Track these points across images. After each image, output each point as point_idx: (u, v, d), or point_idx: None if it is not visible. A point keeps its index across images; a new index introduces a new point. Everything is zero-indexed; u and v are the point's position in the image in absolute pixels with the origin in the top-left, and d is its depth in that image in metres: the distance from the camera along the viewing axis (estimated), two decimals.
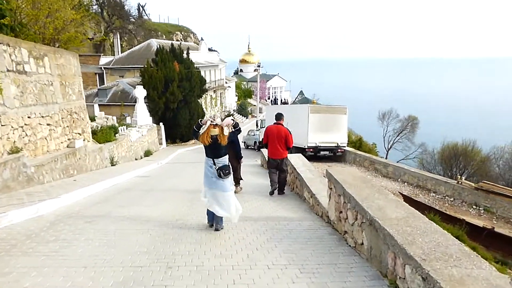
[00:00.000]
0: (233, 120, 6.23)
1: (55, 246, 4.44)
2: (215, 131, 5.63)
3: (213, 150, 5.63)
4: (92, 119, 19.17)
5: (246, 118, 54.42)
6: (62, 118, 11.09)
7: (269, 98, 75.79)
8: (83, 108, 13.24)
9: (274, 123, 8.71)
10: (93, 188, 8.54)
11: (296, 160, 9.14)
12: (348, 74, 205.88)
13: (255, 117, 56.76)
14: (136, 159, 19.36)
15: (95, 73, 36.99)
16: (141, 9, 58.36)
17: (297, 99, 70.27)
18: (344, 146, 21.26)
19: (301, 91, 77.13)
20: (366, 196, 4.41)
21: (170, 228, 5.49)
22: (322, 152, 20.83)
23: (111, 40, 48.16)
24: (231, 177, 5.76)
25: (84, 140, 12.98)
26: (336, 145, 20.74)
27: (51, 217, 5.75)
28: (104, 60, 37.36)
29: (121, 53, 40.50)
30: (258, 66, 36.82)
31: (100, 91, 31.93)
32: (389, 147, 47.97)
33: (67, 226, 5.33)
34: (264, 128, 11.82)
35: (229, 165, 5.73)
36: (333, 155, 21.28)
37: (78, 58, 13.68)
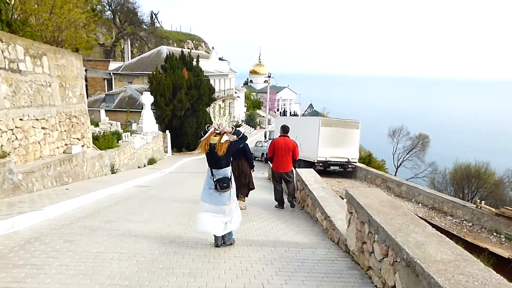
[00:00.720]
0: (234, 127, 5.45)
1: (19, 274, 3.67)
2: (215, 140, 5.16)
3: (212, 159, 5.16)
4: (96, 124, 18.58)
5: (254, 129, 53.78)
6: (59, 121, 10.43)
7: (278, 110, 75.21)
8: (84, 112, 12.60)
9: (281, 136, 8.46)
10: (84, 199, 7.81)
11: (308, 176, 8.34)
12: (358, 90, 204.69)
13: (263, 128, 56.11)
14: (139, 167, 18.68)
15: (104, 79, 36.67)
16: (153, 16, 58.42)
17: (306, 112, 69.58)
18: (355, 162, 20.40)
19: (311, 104, 76.48)
20: (398, 227, 3.61)
21: (161, 251, 4.71)
22: (332, 167, 20.01)
23: (122, 47, 48.09)
24: (230, 192, 5.21)
25: (83, 145, 12.33)
26: (347, 160, 19.91)
27: (27, 234, 5.00)
28: (113, 65, 37.05)
29: (131, 59, 40.22)
30: (269, 76, 36.20)
31: (107, 97, 31.49)
32: (398, 164, 47.14)
33: (43, 246, 4.57)
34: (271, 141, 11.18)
35: (229, 178, 5.19)
36: (343, 170, 20.44)
37: (81, 60, 13.10)
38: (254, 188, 8.34)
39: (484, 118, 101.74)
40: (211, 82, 33.49)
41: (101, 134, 15.84)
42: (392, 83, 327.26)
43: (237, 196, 8.36)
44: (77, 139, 11.76)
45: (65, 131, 10.76)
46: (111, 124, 18.43)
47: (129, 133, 19.17)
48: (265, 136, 27.59)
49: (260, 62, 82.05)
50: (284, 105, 79.43)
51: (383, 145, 50.92)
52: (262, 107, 68.14)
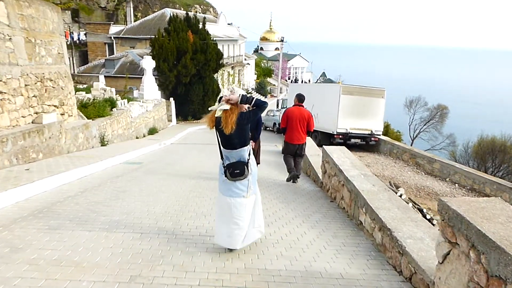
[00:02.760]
0: (242, 95, 3.90)
1: None
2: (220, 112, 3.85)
3: (221, 138, 3.95)
4: (88, 90, 16.57)
5: (265, 97, 51.36)
6: (25, 85, 8.40)
7: (289, 78, 72.33)
8: (63, 75, 10.53)
9: (295, 105, 7.87)
10: (42, 185, 5.87)
11: (341, 157, 6.29)
12: (372, 60, 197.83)
13: (274, 96, 53.58)
14: (137, 138, 16.76)
15: (105, 43, 34.37)
16: None
17: (319, 81, 66.57)
18: (379, 134, 18.23)
19: (324, 73, 73.32)
20: None
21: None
22: (352, 140, 17.85)
23: (125, 10, 45.33)
24: (250, 180, 3.95)
25: (63, 114, 10.35)
26: (369, 132, 17.73)
27: None
28: (114, 29, 34.59)
29: (134, 23, 37.64)
30: (281, 41, 33.46)
31: (107, 62, 29.35)
32: (414, 136, 45.23)
33: None
34: (284, 110, 9.36)
35: (245, 162, 3.91)
36: (365, 144, 18.30)
37: (59, 13, 10.92)
38: (259, 163, 7.44)
39: (507, 90, 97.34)
40: (220, 47, 31.01)
41: (90, 101, 13.81)
42: (407, 53, 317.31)
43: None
44: (54, 106, 9.75)
45: (34, 96, 8.74)
46: (104, 90, 16.40)
47: (125, 101, 17.14)
48: (277, 105, 25.33)
49: (271, 28, 78.54)
50: (296, 73, 76.39)
51: (399, 116, 48.71)
52: (273, 75, 65.40)
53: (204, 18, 31.88)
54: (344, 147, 7.18)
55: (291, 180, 7.71)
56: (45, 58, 9.48)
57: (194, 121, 27.77)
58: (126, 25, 36.57)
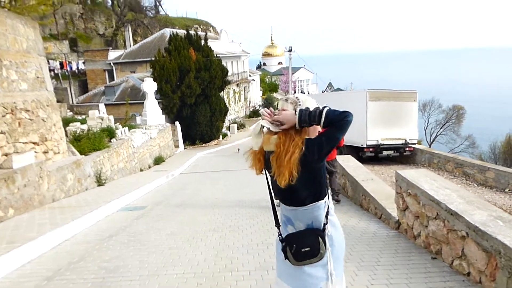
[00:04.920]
0: (297, 100, 2.25)
1: None
2: (272, 141, 2.18)
3: (274, 186, 2.25)
4: (83, 121, 14.68)
5: None
6: None
7: (295, 92, 70.61)
8: (45, 104, 8.61)
9: None
10: None
11: (434, 186, 4.20)
12: (379, 67, 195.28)
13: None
14: (141, 170, 14.78)
15: (104, 70, 32.82)
16: (157, 3, 54.21)
17: (327, 91, 64.62)
18: (414, 143, 16.09)
19: (330, 83, 71.49)
20: None
21: None
22: (385, 152, 15.75)
23: (124, 35, 44.12)
24: (330, 260, 2.22)
25: (46, 152, 8.39)
26: (403, 142, 15.60)
27: None
28: (113, 54, 33.08)
29: (133, 46, 36.18)
30: (289, 50, 31.63)
31: (107, 89, 27.71)
32: (431, 140, 43.38)
33: None
34: None
35: (318, 230, 2.22)
36: (399, 155, 16.14)
37: (37, 29, 9.07)
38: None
39: None
40: (223, 64, 29.28)
41: (84, 132, 11.88)
42: (414, 57, 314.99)
43: None
44: (32, 143, 7.80)
45: (1, 133, 6.79)
46: (102, 119, 14.51)
47: (126, 129, 15.23)
48: None
49: (272, 43, 77.62)
50: (301, 86, 74.74)
51: None
52: (278, 89, 63.78)
53: (206, 34, 30.29)
54: (427, 170, 5.07)
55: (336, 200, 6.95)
56: (16, 83, 7.57)
57: (203, 145, 25.80)
58: (125, 49, 35.09)
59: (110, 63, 32.29)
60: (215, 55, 26.95)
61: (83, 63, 33.68)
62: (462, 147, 40.42)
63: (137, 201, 8.43)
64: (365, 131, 15.20)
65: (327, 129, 2.09)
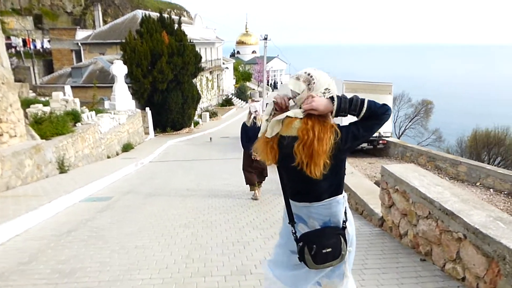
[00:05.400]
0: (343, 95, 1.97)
1: None
2: (296, 125, 1.96)
3: (290, 180, 2.09)
4: (46, 103, 13.77)
5: (246, 102, 48.99)
6: None
7: (268, 82, 70.20)
8: None
9: None
10: None
11: (425, 183, 3.95)
12: (351, 60, 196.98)
13: (256, 101, 51.29)
14: (109, 157, 14.06)
15: (71, 50, 31.27)
16: None
17: None
18: (388, 136, 16.07)
19: None
20: None
21: None
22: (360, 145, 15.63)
23: (93, 15, 42.24)
24: (347, 263, 2.11)
25: (1, 135, 7.66)
26: (377, 135, 15.52)
27: None
28: (81, 34, 31.55)
29: (103, 26, 34.64)
30: (265, 39, 31.04)
31: (74, 70, 26.38)
32: (400, 133, 44.37)
33: None
34: None
35: (338, 228, 2.04)
36: (373, 148, 16.10)
37: None
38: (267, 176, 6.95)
39: (483, 83, 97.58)
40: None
41: (46, 115, 11.07)
42: (387, 52, 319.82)
43: (255, 183, 6.71)
44: None
45: None
46: (66, 102, 13.64)
47: (93, 113, 14.40)
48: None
49: (247, 31, 76.78)
50: (275, 76, 74.55)
51: None
52: (252, 79, 63.22)
53: (180, 18, 29.31)
54: (415, 165, 4.82)
55: None
56: None
57: (174, 133, 25.08)
58: (95, 29, 33.55)
59: (77, 43, 30.81)
60: (189, 40, 26.13)
61: (49, 41, 31.99)
62: (429, 141, 41.44)
63: (102, 191, 7.86)
64: (341, 123, 15.00)
65: (363, 120, 1.96)
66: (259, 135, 2.13)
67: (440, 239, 3.50)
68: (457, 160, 13.37)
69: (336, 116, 1.95)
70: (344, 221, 2.04)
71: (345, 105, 1.91)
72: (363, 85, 15.64)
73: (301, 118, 1.94)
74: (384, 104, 1.99)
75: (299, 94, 1.95)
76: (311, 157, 1.87)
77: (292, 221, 2.05)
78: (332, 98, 1.92)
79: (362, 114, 1.93)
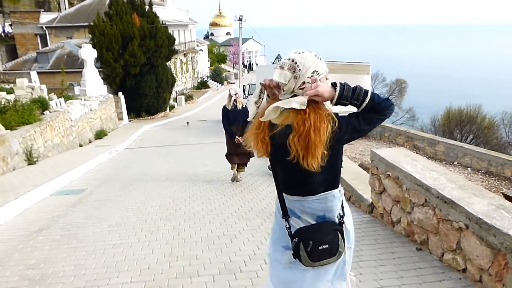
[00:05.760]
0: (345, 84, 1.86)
1: None
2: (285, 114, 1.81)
3: (282, 172, 1.94)
4: (10, 90, 13.01)
5: (222, 85, 48.32)
6: None
7: (243, 63, 69.42)
8: None
9: None
10: None
11: (418, 168, 3.78)
12: (329, 41, 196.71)
13: (231, 83, 50.63)
14: (81, 146, 13.48)
15: (36, 34, 29.74)
16: None
17: (275, 63, 63.95)
18: None
19: (279, 55, 70.86)
20: None
21: None
22: None
23: None
24: (346, 261, 1.97)
25: None
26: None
27: None
28: (45, 17, 29.99)
29: (69, 9, 33.05)
30: (240, 20, 30.35)
31: (40, 56, 25.15)
32: None
33: None
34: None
35: (334, 223, 1.90)
36: None
37: None
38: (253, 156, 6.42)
39: (455, 63, 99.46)
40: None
41: (11, 103, 10.40)
42: (363, 32, 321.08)
43: (238, 166, 6.70)
44: None
45: None
46: (32, 89, 12.90)
47: (61, 100, 13.71)
48: (244, 91, 22.52)
49: (220, 13, 75.31)
50: (250, 57, 73.73)
51: None
52: (227, 61, 62.32)
53: (150, 0, 28.24)
54: (405, 148, 4.67)
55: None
56: None
57: (149, 117, 24.41)
58: (60, 12, 31.99)
59: (42, 27, 29.29)
60: (161, 22, 25.24)
61: (10, 25, 30.31)
62: (403, 120, 42.17)
63: (74, 183, 7.42)
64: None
65: (364, 112, 1.81)
66: (249, 118, 1.99)
67: (438, 228, 3.33)
68: (434, 140, 13.47)
69: (337, 104, 1.80)
70: (342, 216, 1.91)
71: (348, 93, 1.79)
72: (341, 65, 15.40)
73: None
74: (387, 99, 1.84)
75: (286, 84, 1.79)
76: (307, 149, 1.72)
77: (286, 214, 1.91)
78: (334, 84, 1.80)
79: (364, 105, 1.79)
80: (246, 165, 6.85)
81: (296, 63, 1.78)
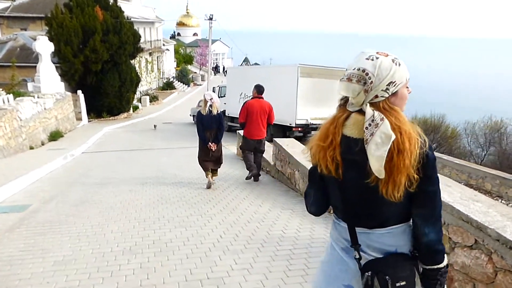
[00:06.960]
0: None
1: None
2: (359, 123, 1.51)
3: (342, 195, 1.58)
4: None
5: (188, 86, 46.96)
6: None
7: (214, 65, 68.17)
8: None
9: (254, 97, 7.15)
10: None
11: (452, 191, 2.95)
12: (295, 47, 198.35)
13: (198, 85, 49.31)
14: (31, 148, 12.04)
15: None
16: None
17: (243, 66, 63.16)
18: (305, 124, 15.39)
19: (246, 58, 70.30)
20: None
21: None
22: (313, 132, 14.82)
23: None
24: None
25: None
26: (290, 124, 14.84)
27: None
28: None
29: None
30: (210, 19, 29.20)
31: None
32: None
33: None
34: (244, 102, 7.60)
35: (408, 257, 1.56)
36: (303, 135, 15.44)
37: None
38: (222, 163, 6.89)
39: (432, 73, 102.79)
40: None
41: None
42: (327, 39, 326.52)
43: (212, 170, 6.68)
44: None
45: None
46: None
47: (10, 96, 12.21)
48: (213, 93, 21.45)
49: (188, 12, 74.02)
50: (217, 59, 72.68)
51: None
52: (194, 62, 60.93)
53: None
54: None
55: (252, 178, 6.98)
56: None
57: (111, 118, 22.88)
58: (14, 1, 29.70)
59: None
60: (126, 18, 23.80)
61: None
62: None
63: (17, 196, 6.19)
64: (295, 109, 14.17)
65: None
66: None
67: (494, 280, 2.56)
68: None
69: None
70: (414, 250, 1.58)
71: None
72: (319, 70, 14.83)
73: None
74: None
75: (354, 98, 1.49)
76: (390, 173, 1.41)
77: (356, 243, 1.58)
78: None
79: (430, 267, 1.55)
80: (219, 167, 6.92)
81: (367, 74, 1.45)
